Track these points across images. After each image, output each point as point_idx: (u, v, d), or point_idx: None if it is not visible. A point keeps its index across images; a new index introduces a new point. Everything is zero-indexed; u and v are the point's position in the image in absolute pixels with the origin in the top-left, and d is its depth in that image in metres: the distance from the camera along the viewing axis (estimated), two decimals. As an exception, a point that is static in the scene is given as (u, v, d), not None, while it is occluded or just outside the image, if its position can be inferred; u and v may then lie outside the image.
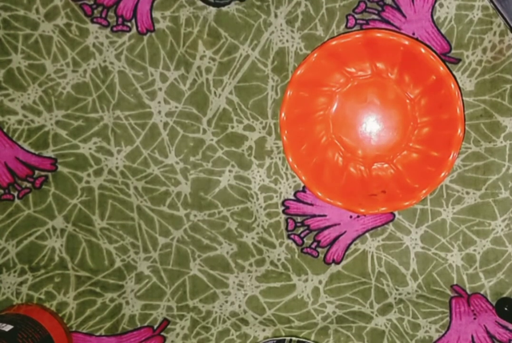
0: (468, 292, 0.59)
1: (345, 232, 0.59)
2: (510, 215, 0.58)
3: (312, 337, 0.60)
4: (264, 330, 0.60)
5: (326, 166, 0.58)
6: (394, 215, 0.59)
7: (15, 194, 0.61)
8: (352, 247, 0.60)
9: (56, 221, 0.61)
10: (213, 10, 0.58)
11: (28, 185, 0.60)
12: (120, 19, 0.59)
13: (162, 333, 0.61)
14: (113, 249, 0.61)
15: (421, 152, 0.57)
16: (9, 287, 0.61)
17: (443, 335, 0.60)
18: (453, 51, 0.57)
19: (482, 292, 0.59)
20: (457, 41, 0.57)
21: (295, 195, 0.60)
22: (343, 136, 0.58)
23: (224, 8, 0.58)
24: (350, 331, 0.60)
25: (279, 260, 0.60)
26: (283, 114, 0.55)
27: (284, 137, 0.56)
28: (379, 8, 0.57)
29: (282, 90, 0.59)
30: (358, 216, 0.59)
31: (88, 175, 0.60)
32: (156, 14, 0.59)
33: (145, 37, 0.59)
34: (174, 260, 0.61)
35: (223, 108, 0.59)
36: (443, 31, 0.57)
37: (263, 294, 0.60)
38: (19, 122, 0.60)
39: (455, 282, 0.59)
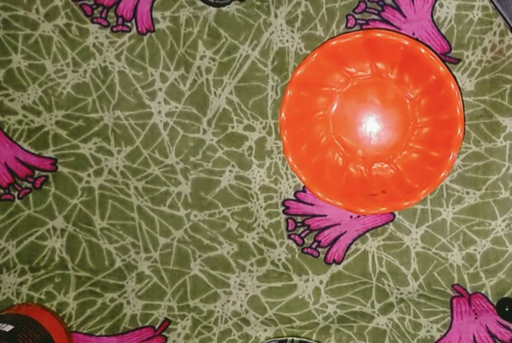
0: (469, 291, 0.59)
1: (345, 232, 0.59)
2: (510, 215, 0.58)
3: (314, 337, 0.60)
4: (265, 330, 0.60)
5: (326, 166, 0.58)
6: (394, 215, 0.59)
7: (15, 194, 0.61)
8: (353, 247, 0.60)
9: (56, 221, 0.61)
10: (213, 10, 0.58)
11: (28, 185, 0.60)
12: (120, 19, 0.59)
13: (164, 333, 0.61)
14: (113, 249, 0.61)
15: (421, 152, 0.57)
16: (9, 287, 0.61)
17: (445, 335, 0.60)
18: (453, 51, 0.57)
19: (483, 292, 0.59)
20: (457, 41, 0.57)
21: (295, 195, 0.60)
22: (343, 136, 0.58)
23: (224, 8, 0.58)
24: (351, 330, 0.60)
25: (279, 260, 0.60)
26: (283, 114, 0.56)
27: (284, 137, 0.56)
28: (379, 8, 0.57)
29: (282, 90, 0.59)
30: (358, 216, 0.59)
31: (88, 175, 0.60)
32: (156, 14, 0.59)
33: (145, 37, 0.59)
34: (175, 260, 0.61)
35: (223, 108, 0.59)
36: (443, 31, 0.57)
37: (264, 294, 0.60)
38: (19, 122, 0.60)
39: (456, 282, 0.59)
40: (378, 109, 0.58)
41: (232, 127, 0.59)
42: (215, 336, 0.61)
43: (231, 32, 0.59)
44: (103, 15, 0.59)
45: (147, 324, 0.61)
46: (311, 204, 0.60)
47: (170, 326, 0.61)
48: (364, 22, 0.58)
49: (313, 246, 0.60)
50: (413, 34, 0.57)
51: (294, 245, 0.60)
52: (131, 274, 0.61)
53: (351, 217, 0.59)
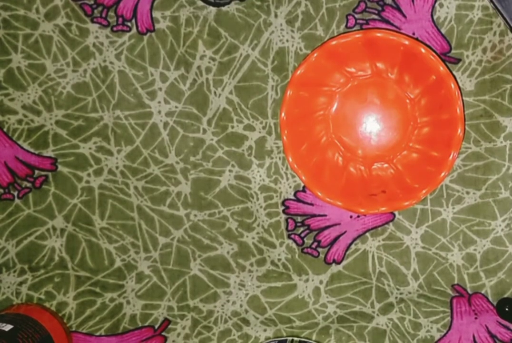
0: (469, 291, 0.59)
1: (345, 231, 0.59)
2: (510, 215, 0.58)
3: (314, 337, 0.60)
4: (265, 330, 0.60)
5: (326, 166, 0.58)
6: (394, 215, 0.59)
7: (15, 193, 0.61)
8: (353, 247, 0.60)
9: (56, 221, 0.61)
10: (213, 10, 0.58)
11: (28, 184, 0.60)
12: (120, 19, 0.59)
13: (163, 333, 0.61)
14: (113, 248, 0.61)
15: (421, 152, 0.57)
16: (9, 287, 0.61)
17: (445, 335, 0.60)
18: (453, 51, 0.57)
19: (483, 292, 0.59)
20: (457, 41, 0.57)
21: (295, 194, 0.60)
22: (343, 136, 0.58)
23: (224, 8, 0.58)
24: (351, 330, 0.60)
25: (279, 260, 0.60)
26: (283, 114, 0.56)
27: (284, 137, 0.56)
28: (379, 8, 0.57)
29: (282, 90, 0.59)
30: (358, 216, 0.59)
31: (88, 175, 0.60)
32: (156, 14, 0.59)
33: (145, 37, 0.59)
34: (175, 260, 0.61)
35: (223, 108, 0.59)
36: (443, 31, 0.57)
37: (264, 294, 0.60)
38: (19, 122, 0.60)
39: (456, 282, 0.59)
40: (378, 109, 0.58)
41: (232, 127, 0.59)
42: (215, 336, 0.61)
43: (231, 32, 0.59)
44: (103, 15, 0.59)
45: (146, 324, 0.61)
46: (311, 204, 0.60)
47: (170, 326, 0.61)
48: (364, 22, 0.58)
49: (313, 246, 0.60)
50: (413, 34, 0.57)
51: (294, 245, 0.60)
52: (131, 274, 0.61)
53: (351, 216, 0.59)
